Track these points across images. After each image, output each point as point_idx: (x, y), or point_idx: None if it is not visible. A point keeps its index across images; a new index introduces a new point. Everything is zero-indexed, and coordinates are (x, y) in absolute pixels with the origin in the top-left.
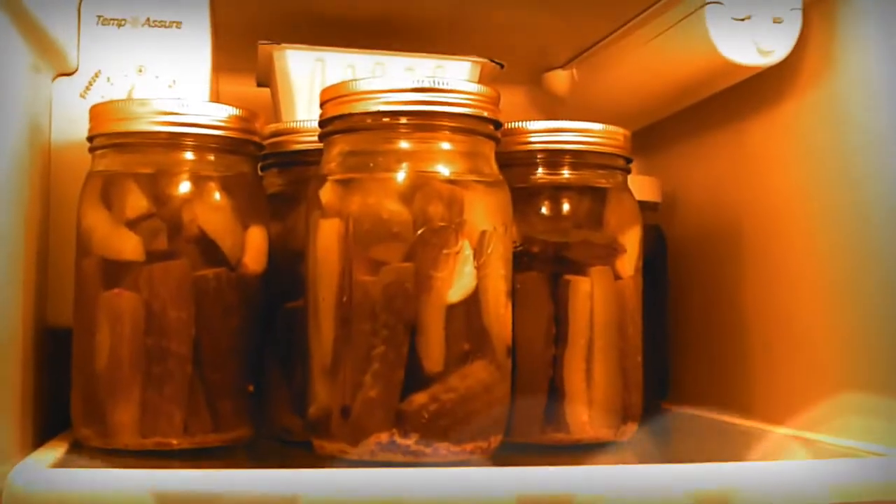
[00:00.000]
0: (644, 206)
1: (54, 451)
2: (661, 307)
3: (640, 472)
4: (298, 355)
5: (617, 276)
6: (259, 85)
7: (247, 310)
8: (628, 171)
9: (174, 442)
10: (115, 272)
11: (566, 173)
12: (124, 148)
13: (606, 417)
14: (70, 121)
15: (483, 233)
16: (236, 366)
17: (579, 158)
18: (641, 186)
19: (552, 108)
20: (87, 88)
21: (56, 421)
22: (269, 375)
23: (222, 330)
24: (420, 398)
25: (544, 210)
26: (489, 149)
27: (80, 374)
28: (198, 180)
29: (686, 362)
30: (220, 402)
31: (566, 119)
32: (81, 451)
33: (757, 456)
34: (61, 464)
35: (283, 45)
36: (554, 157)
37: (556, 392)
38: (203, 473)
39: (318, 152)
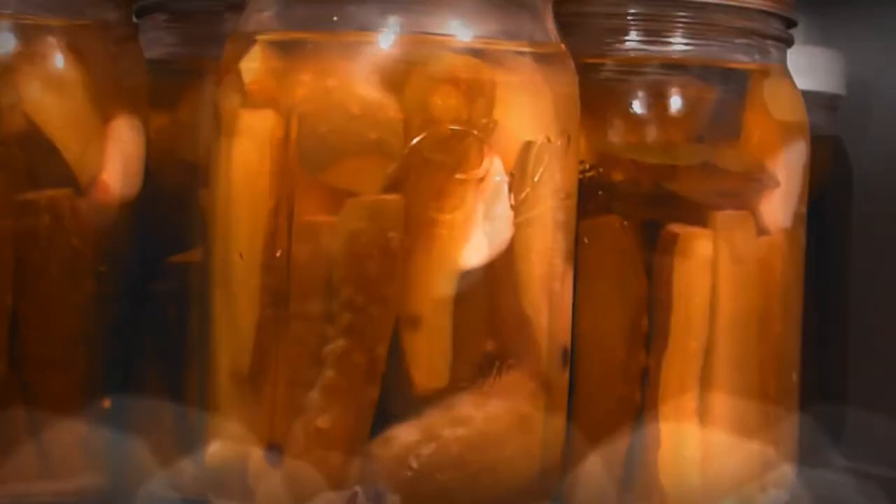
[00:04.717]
0: (813, 103)
1: None
2: (839, 284)
3: None
4: (191, 350)
5: (762, 230)
6: None
7: (106, 265)
8: (789, 44)
9: None
10: None
11: (678, 43)
12: None
13: (732, 479)
14: None
15: (527, 145)
16: (83, 366)
17: (702, 17)
18: (809, 67)
19: None
20: None
21: None
22: (139, 383)
23: (60, 301)
24: (406, 434)
25: (636, 108)
26: None
27: None
28: (24, 33)
29: (883, 387)
30: (54, 429)
31: None
32: None
33: None
34: None
35: None
36: (656, 14)
37: (644, 432)
38: None
39: None
